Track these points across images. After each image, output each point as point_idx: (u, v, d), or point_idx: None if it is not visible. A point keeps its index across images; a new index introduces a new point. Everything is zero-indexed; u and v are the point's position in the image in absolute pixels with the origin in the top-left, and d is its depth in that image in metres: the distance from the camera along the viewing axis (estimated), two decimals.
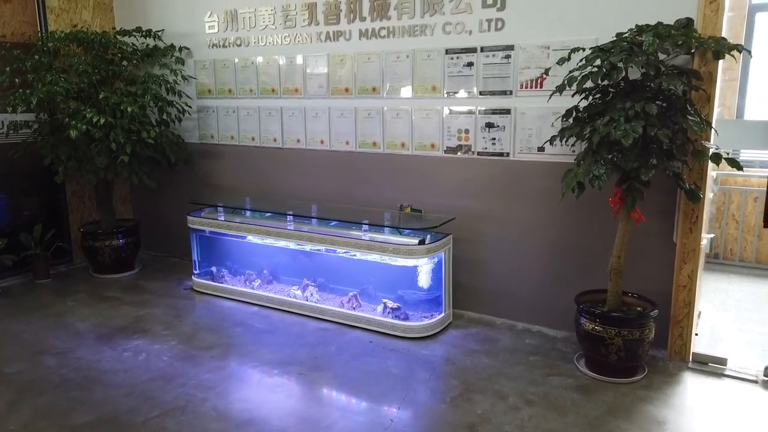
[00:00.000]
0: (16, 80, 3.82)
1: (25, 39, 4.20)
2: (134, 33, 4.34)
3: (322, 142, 3.98)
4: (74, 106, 3.77)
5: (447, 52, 3.41)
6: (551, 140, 2.79)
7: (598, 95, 2.69)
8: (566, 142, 2.75)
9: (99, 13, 4.60)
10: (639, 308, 2.79)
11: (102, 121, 3.66)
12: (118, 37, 4.29)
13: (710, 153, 2.52)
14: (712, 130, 2.61)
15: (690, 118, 2.46)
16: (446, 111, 3.46)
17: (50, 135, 3.96)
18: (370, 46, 3.67)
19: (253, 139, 4.28)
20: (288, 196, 4.15)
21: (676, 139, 2.47)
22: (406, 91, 3.58)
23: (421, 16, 3.46)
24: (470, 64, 3.34)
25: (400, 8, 3.52)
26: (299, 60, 3.95)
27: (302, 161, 4.08)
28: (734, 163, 2.43)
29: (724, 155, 2.48)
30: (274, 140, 4.18)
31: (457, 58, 3.38)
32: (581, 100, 2.74)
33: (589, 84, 2.54)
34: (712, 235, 4.17)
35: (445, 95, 3.45)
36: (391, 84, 3.63)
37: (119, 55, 4.28)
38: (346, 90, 3.82)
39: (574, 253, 3.22)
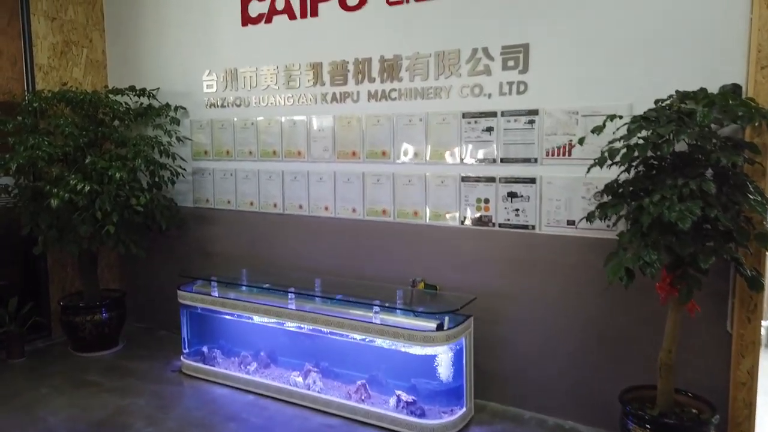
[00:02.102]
0: None
1: (9, 98, 3.94)
2: (127, 92, 4.09)
3: (326, 208, 3.68)
4: (57, 172, 3.47)
5: (464, 115, 3.15)
6: (588, 217, 2.48)
7: (641, 169, 2.40)
8: (607, 220, 2.45)
9: (91, 71, 4.37)
10: (694, 410, 2.42)
11: (87, 188, 3.35)
12: (110, 96, 4.03)
13: None
14: None
15: (750, 197, 2.17)
16: (464, 178, 3.18)
17: (31, 201, 3.64)
18: (379, 108, 3.42)
19: (251, 204, 3.97)
20: (289, 267, 3.81)
21: (736, 220, 2.18)
22: (419, 156, 3.31)
23: (435, 78, 3.22)
24: (490, 129, 3.08)
25: (412, 69, 3.29)
26: (303, 121, 3.69)
27: (304, 229, 3.77)
28: None
29: None
30: (275, 206, 3.88)
31: (475, 122, 3.12)
32: (622, 172, 2.46)
33: (636, 155, 2.26)
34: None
35: (463, 161, 3.18)
36: (402, 148, 3.36)
37: (110, 115, 4.01)
38: (353, 154, 3.54)
39: (610, 338, 2.87)
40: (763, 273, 2.35)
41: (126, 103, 4.10)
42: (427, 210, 3.31)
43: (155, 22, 4.23)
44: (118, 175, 3.47)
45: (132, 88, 4.09)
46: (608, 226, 2.66)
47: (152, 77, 4.27)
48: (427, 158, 3.29)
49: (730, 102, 2.15)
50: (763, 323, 2.57)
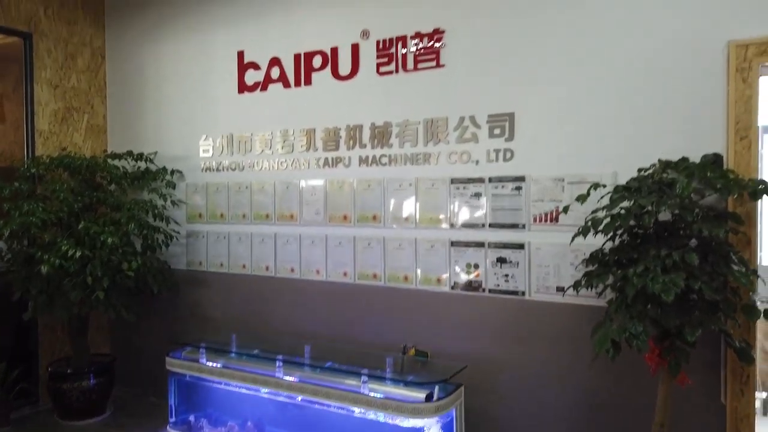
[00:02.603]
0: None
1: (10, 163, 4.02)
2: (125, 156, 4.17)
3: (318, 272, 3.67)
4: (49, 237, 3.50)
5: (452, 181, 3.19)
6: (575, 286, 2.47)
7: (626, 237, 2.41)
8: (594, 289, 2.43)
9: (91, 136, 4.48)
10: None
11: (78, 254, 3.37)
12: (108, 160, 4.11)
13: (763, 309, 2.19)
14: (759, 280, 2.30)
15: (734, 267, 2.16)
16: (453, 243, 3.19)
17: (23, 266, 3.65)
18: (370, 173, 3.47)
19: (244, 267, 3.97)
20: (280, 331, 3.77)
21: (721, 291, 2.16)
22: (410, 221, 3.33)
23: (424, 145, 3.29)
24: (478, 195, 3.11)
25: (402, 136, 3.36)
26: (295, 185, 3.74)
27: (296, 292, 3.75)
28: None
29: None
30: (267, 269, 3.88)
31: (464, 188, 3.16)
32: (607, 241, 2.46)
33: (618, 225, 2.27)
34: (766, 395, 3.60)
35: (452, 226, 3.19)
36: (392, 213, 3.39)
37: (108, 179, 4.08)
38: (345, 218, 3.57)
39: (602, 409, 2.79)
40: (753, 345, 2.31)
41: (124, 167, 4.18)
42: (418, 274, 3.30)
43: (155, 89, 4.37)
44: (110, 240, 3.50)
45: (130, 153, 4.17)
46: (600, 294, 2.64)
47: (151, 142, 4.37)
48: (417, 223, 3.31)
49: (709, 173, 2.17)
50: (758, 395, 2.50)
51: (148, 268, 3.84)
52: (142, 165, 4.22)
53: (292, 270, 3.77)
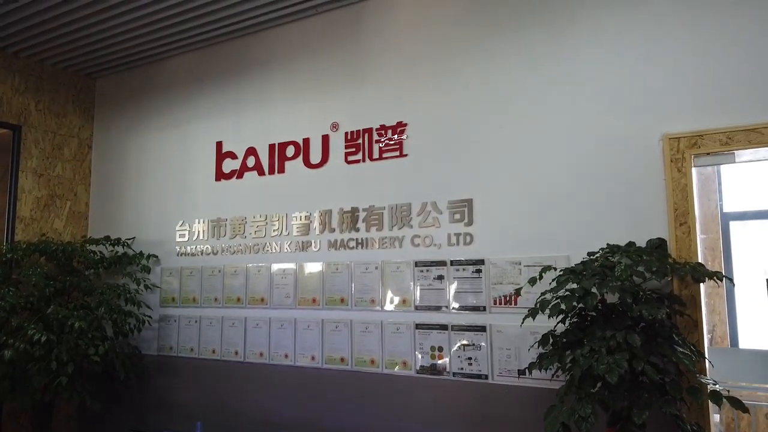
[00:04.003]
0: None
1: None
2: (102, 241, 4.26)
3: (286, 356, 3.66)
4: (17, 322, 3.51)
5: (416, 264, 3.28)
6: (529, 368, 2.49)
7: (575, 319, 2.46)
8: (546, 371, 2.46)
9: (72, 222, 4.59)
10: None
11: (43, 338, 3.38)
12: (85, 245, 4.20)
13: (708, 390, 2.21)
14: (707, 362, 2.34)
15: (679, 348, 2.21)
16: (417, 326, 3.22)
17: None
18: (339, 256, 3.56)
19: (213, 351, 3.95)
20: (248, 418, 3.70)
21: (668, 373, 2.19)
22: (376, 303, 3.38)
23: (389, 229, 3.40)
24: (441, 278, 3.19)
25: (368, 221, 3.48)
26: (267, 269, 3.81)
27: (265, 378, 3.71)
28: (738, 405, 2.11)
29: (725, 393, 2.17)
30: (236, 353, 3.86)
31: (427, 270, 3.24)
32: (558, 323, 2.51)
33: (563, 307, 2.34)
34: None
35: (416, 309, 3.24)
36: (359, 295, 3.44)
37: (84, 264, 4.14)
38: (314, 300, 3.61)
39: None
40: (707, 427, 2.30)
41: (101, 252, 4.26)
42: (383, 358, 3.31)
43: (137, 177, 4.54)
44: (77, 324, 3.51)
45: (107, 238, 4.27)
46: (552, 377, 2.66)
47: (130, 227, 4.48)
48: (383, 306, 3.35)
49: (645, 257, 2.27)
50: None
51: (117, 353, 3.82)
52: (120, 250, 4.31)
53: (261, 354, 3.75)
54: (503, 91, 3.12)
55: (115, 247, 4.30)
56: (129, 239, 4.36)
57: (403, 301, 3.29)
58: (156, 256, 4.30)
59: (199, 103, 4.30)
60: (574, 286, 2.34)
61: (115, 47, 4.25)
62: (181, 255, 4.21)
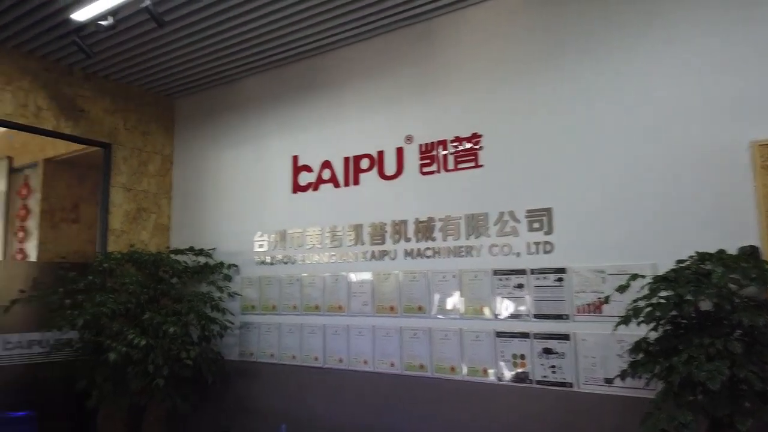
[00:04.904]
0: (67, 301, 3.89)
1: (84, 259, 4.38)
2: (187, 251, 4.50)
3: (365, 362, 3.77)
4: (117, 327, 3.75)
5: (495, 273, 3.33)
6: (622, 376, 2.51)
7: (669, 327, 2.47)
8: (640, 378, 2.47)
9: (157, 234, 4.86)
10: None
11: (142, 342, 3.60)
12: (171, 255, 4.45)
13: None
14: None
15: None
16: (498, 334, 3.27)
17: (91, 356, 3.89)
18: (415, 265, 3.65)
19: (293, 357, 4.11)
20: (327, 422, 3.82)
21: None
22: (455, 311, 3.45)
23: (466, 238, 3.48)
24: (520, 286, 3.24)
25: (444, 230, 3.57)
26: (344, 278, 3.94)
27: (344, 383, 3.83)
28: None
29: None
30: (315, 359, 4.00)
31: (507, 279, 3.29)
32: (650, 331, 2.52)
33: (657, 314, 2.35)
34: None
35: (497, 317, 3.30)
36: (438, 304, 3.52)
37: (170, 273, 4.39)
38: (391, 308, 3.72)
39: None
40: None
41: (185, 262, 4.50)
42: (464, 365, 3.37)
43: (216, 190, 4.77)
44: (171, 329, 3.73)
45: (191, 248, 4.51)
46: (646, 384, 2.66)
47: (210, 238, 4.71)
48: (462, 313, 3.42)
49: (743, 264, 2.27)
50: None
51: (204, 357, 4.03)
52: (202, 259, 4.54)
53: (341, 360, 3.88)
54: (581, 99, 3.16)
55: (198, 256, 4.53)
56: (210, 249, 4.59)
57: (482, 310, 3.35)
58: (236, 266, 4.50)
59: (275, 119, 4.50)
60: (668, 293, 2.35)
61: (194, 69, 4.50)
62: (260, 264, 4.40)
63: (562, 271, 3.11)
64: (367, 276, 3.85)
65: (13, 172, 5.33)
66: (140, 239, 4.72)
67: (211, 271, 4.43)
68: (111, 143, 4.63)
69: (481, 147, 3.50)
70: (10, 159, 5.31)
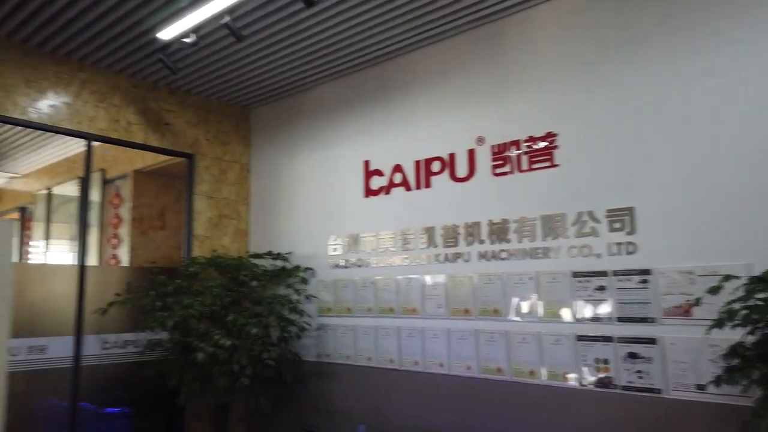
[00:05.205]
0: (157, 303, 4.13)
1: (171, 264, 4.64)
2: (265, 256, 4.67)
3: (441, 365, 3.77)
4: (204, 328, 3.95)
5: (574, 275, 3.25)
6: (716, 382, 2.38)
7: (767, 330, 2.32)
8: (737, 385, 2.33)
9: (237, 239, 5.08)
10: None
11: (228, 343, 3.77)
12: (251, 260, 4.63)
13: None
14: None
15: None
16: (579, 337, 3.18)
17: (180, 355, 4.11)
18: (490, 267, 3.62)
19: (369, 359, 4.17)
20: (403, 425, 3.85)
21: None
22: (532, 314, 3.39)
23: (542, 239, 3.41)
24: (602, 288, 3.14)
25: (519, 232, 3.51)
26: (417, 280, 3.97)
27: (420, 385, 3.85)
28: None
29: None
30: (391, 361, 4.04)
31: (587, 281, 3.20)
32: (746, 335, 2.38)
33: (755, 317, 2.22)
34: None
35: (577, 320, 3.21)
36: (514, 306, 3.47)
37: (250, 276, 4.57)
38: (466, 311, 3.70)
39: None
40: None
41: (263, 266, 4.67)
42: (543, 369, 3.30)
43: (291, 197, 4.93)
44: (254, 330, 3.88)
45: (269, 253, 4.68)
46: (744, 390, 2.51)
47: (286, 242, 4.87)
48: (540, 316, 3.36)
49: None
50: None
51: (283, 358, 4.16)
52: (279, 263, 4.70)
53: (416, 362, 3.90)
54: (664, 96, 3.03)
55: (276, 260, 4.70)
56: (287, 253, 4.74)
57: (562, 313, 3.27)
58: (312, 269, 4.63)
59: (346, 126, 4.59)
60: (766, 295, 2.21)
61: (269, 80, 4.67)
62: (334, 267, 4.50)
63: (646, 272, 2.99)
64: (440, 278, 3.85)
65: (106, 183, 5.73)
66: (222, 244, 4.95)
67: (288, 274, 4.58)
68: (194, 154, 4.89)
69: (556, 146, 3.42)
70: (103, 171, 5.72)
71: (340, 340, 4.37)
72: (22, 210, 7.17)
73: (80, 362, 4.11)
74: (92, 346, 4.23)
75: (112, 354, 4.36)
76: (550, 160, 3.44)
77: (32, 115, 4.00)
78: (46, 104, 4.07)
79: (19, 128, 4.49)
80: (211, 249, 4.83)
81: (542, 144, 3.48)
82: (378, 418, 4.01)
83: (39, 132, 4.63)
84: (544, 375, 3.30)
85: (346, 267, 4.43)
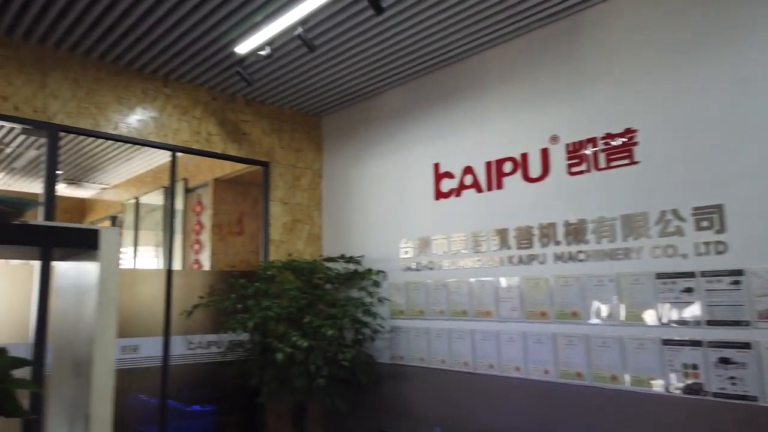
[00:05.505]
0: (239, 306, 4.32)
1: (250, 268, 4.84)
2: (338, 259, 4.78)
3: (517, 368, 3.71)
4: (283, 329, 4.09)
5: (658, 276, 3.11)
6: None
7: None
8: None
9: (311, 243, 5.22)
10: None
11: (305, 344, 3.88)
12: (324, 263, 4.75)
13: None
14: None
15: None
16: (665, 341, 3.04)
17: (259, 356, 4.27)
18: (566, 269, 3.53)
19: (443, 361, 4.16)
20: (479, 429, 3.81)
21: None
22: (613, 317, 3.28)
23: (623, 240, 3.29)
24: (689, 290, 2.99)
25: (598, 232, 3.41)
26: (491, 283, 3.92)
27: (495, 388, 3.80)
28: None
29: None
30: (465, 364, 4.02)
31: (672, 282, 3.06)
32: None
33: None
34: None
35: (662, 323, 3.07)
36: (593, 309, 3.37)
37: (323, 279, 4.68)
38: (542, 314, 3.62)
39: None
40: None
41: (336, 269, 4.78)
42: (626, 374, 3.18)
43: (361, 201, 5.01)
44: (330, 332, 3.97)
45: (342, 256, 4.78)
46: None
47: (358, 246, 4.95)
48: (622, 319, 3.24)
49: None
50: None
51: (357, 360, 4.23)
52: (352, 266, 4.78)
53: (491, 366, 3.86)
54: (762, 85, 2.85)
55: (348, 264, 4.79)
56: (359, 257, 4.82)
57: (645, 316, 3.14)
58: (383, 272, 4.68)
59: (416, 129, 4.62)
60: None
61: (339, 87, 4.78)
62: (405, 270, 4.53)
63: (738, 272, 2.82)
64: (514, 281, 3.80)
65: (188, 192, 6.05)
66: (296, 248, 5.10)
67: (361, 277, 4.65)
68: (269, 162, 5.07)
69: (636, 142, 3.30)
70: (186, 181, 6.04)
71: (413, 342, 4.39)
72: (113, 219, 7.70)
73: (168, 361, 4.35)
74: (179, 347, 4.47)
75: (197, 354, 4.59)
76: (630, 157, 3.31)
77: (123, 130, 4.29)
78: (135, 119, 4.36)
79: (110, 142, 4.83)
80: (286, 253, 4.99)
81: (620, 141, 3.36)
82: (453, 421, 3.99)
83: (128, 145, 4.97)
84: (627, 380, 3.17)
85: (417, 270, 4.45)
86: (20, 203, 1.30)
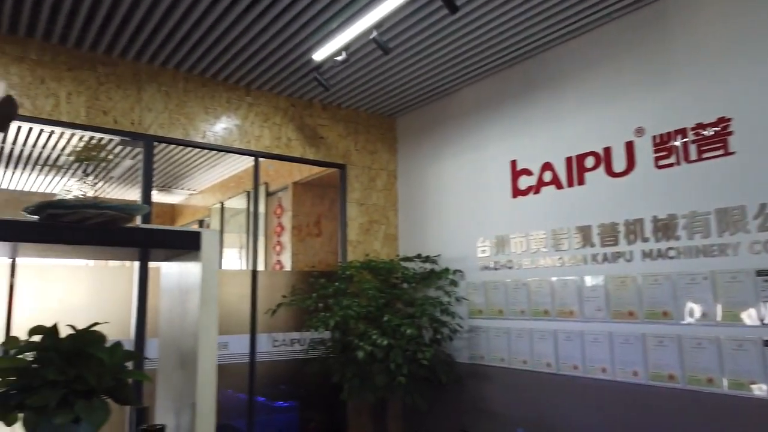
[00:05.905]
0: (320, 305, 4.45)
1: (328, 268, 4.97)
2: (415, 259, 4.81)
3: (603, 370, 3.59)
4: (363, 328, 4.17)
5: (758, 273, 2.91)
6: None
7: None
8: None
9: (387, 243, 5.29)
10: None
11: (385, 342, 3.94)
12: (401, 263, 4.79)
13: None
14: None
15: None
16: (767, 343, 2.85)
17: (340, 354, 4.38)
18: (656, 267, 3.37)
19: (524, 362, 4.09)
20: (564, 430, 3.72)
21: None
22: (708, 317, 3.10)
23: (718, 235, 3.10)
24: None
25: (690, 228, 3.23)
26: (573, 282, 3.82)
27: (580, 390, 3.70)
28: None
29: None
30: (548, 365, 3.93)
31: None
32: None
33: None
34: None
35: (764, 324, 2.87)
36: (686, 308, 3.20)
37: (400, 279, 4.73)
38: (630, 314, 3.48)
39: None
40: None
41: (413, 269, 4.81)
42: (724, 378, 3.00)
43: (437, 200, 5.02)
44: (409, 331, 4.01)
45: (419, 256, 4.81)
46: None
47: (434, 245, 4.96)
48: (718, 319, 3.06)
49: None
50: None
51: (437, 359, 4.24)
52: (428, 266, 4.80)
53: (575, 367, 3.75)
54: None
55: (425, 263, 4.81)
56: (435, 256, 4.83)
57: (744, 315, 2.95)
58: (461, 271, 4.66)
59: (491, 126, 4.57)
60: None
61: (414, 87, 4.81)
62: (483, 269, 4.49)
63: None
64: (599, 280, 3.67)
65: (269, 195, 6.30)
66: (373, 249, 5.18)
67: (438, 276, 4.66)
68: (345, 164, 5.19)
69: (730, 132, 3.10)
70: (266, 185, 6.29)
71: (492, 342, 4.35)
72: (200, 222, 8.14)
73: (255, 358, 4.55)
74: (264, 344, 4.66)
75: (281, 351, 4.76)
76: (724, 147, 3.12)
77: (210, 138, 4.53)
78: (221, 127, 4.59)
79: (197, 150, 5.12)
80: (363, 253, 5.08)
81: (713, 131, 3.17)
82: (537, 423, 3.91)
83: (213, 152, 5.24)
84: (725, 384, 2.99)
85: (495, 269, 4.40)
86: (129, 209, 1.43)
